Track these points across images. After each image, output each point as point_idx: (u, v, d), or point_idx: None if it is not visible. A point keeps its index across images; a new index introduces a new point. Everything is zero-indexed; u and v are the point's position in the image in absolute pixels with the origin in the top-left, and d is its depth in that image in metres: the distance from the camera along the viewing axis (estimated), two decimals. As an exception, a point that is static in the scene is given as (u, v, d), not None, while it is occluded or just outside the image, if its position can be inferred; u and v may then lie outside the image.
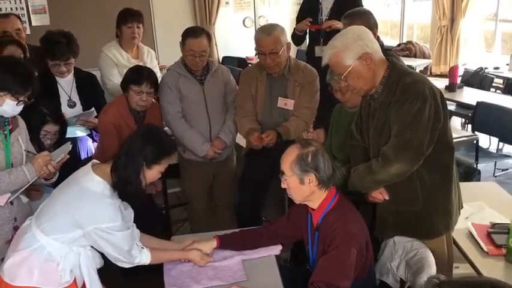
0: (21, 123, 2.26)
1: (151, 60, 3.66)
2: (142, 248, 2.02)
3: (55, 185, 2.16)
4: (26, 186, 2.13)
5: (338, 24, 3.24)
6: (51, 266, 1.90)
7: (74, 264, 1.94)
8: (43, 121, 2.55)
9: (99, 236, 1.88)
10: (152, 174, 1.98)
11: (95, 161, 2.02)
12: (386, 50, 2.95)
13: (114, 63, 3.47)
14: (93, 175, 1.91)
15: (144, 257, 2.02)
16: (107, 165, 1.95)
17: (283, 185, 1.99)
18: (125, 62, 3.47)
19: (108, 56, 3.47)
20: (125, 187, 1.91)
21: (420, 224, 2.08)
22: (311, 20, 3.56)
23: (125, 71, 2.99)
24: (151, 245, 2.10)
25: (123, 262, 1.98)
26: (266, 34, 2.75)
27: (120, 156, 1.93)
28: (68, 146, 2.25)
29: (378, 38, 2.83)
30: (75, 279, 1.96)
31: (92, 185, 1.89)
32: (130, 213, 2.02)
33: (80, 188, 1.90)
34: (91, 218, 1.86)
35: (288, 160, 1.94)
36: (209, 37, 2.90)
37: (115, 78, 3.40)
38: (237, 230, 2.30)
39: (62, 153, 2.18)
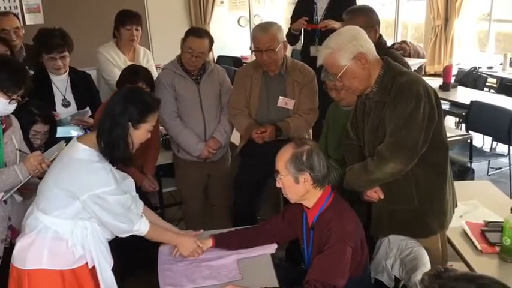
0: (15, 122, 2.25)
1: (147, 61, 3.64)
2: (142, 216, 2.00)
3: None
4: (19, 186, 2.12)
5: (334, 24, 3.24)
6: (61, 245, 1.89)
7: (83, 239, 1.91)
8: (32, 121, 2.53)
9: (95, 203, 1.85)
10: (140, 134, 1.92)
11: (79, 133, 2.00)
12: (388, 49, 2.94)
13: (111, 63, 3.46)
14: (78, 145, 1.89)
15: (143, 226, 1.98)
16: (92, 134, 1.92)
17: (278, 184, 1.99)
18: (121, 64, 3.45)
19: (105, 56, 3.46)
20: (112, 151, 1.87)
21: (415, 222, 2.08)
22: (307, 18, 3.57)
23: (121, 72, 2.98)
24: (151, 219, 2.08)
25: (124, 231, 1.95)
26: (263, 31, 2.76)
27: (103, 121, 1.89)
28: (62, 145, 2.23)
29: (380, 36, 2.82)
30: (86, 263, 1.93)
31: (78, 153, 1.86)
32: (130, 182, 2.01)
33: (67, 160, 1.88)
34: (84, 186, 1.83)
35: (283, 159, 1.94)
36: (211, 42, 2.90)
37: (117, 76, 3.39)
38: (232, 229, 2.30)
39: (55, 152, 2.17)
